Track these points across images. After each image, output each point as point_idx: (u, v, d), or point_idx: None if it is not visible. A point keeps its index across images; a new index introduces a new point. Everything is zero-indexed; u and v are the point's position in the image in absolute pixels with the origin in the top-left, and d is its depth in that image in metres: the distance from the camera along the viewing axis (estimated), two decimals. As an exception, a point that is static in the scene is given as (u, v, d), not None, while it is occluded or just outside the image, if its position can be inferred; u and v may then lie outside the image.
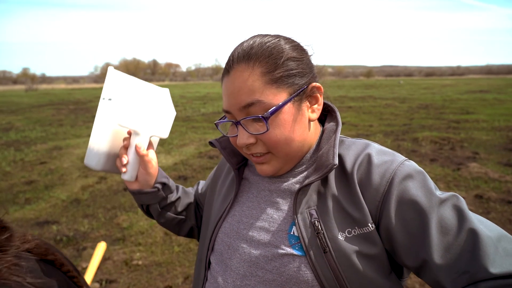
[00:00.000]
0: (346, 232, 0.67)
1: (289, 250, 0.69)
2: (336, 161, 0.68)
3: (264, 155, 0.72)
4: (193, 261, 3.04)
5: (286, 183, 0.76)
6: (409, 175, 0.66)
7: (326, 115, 0.83)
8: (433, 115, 11.35)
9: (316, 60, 0.78)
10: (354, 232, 0.67)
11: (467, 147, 6.71)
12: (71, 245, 3.39)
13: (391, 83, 33.84)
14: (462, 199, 0.66)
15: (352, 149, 0.74)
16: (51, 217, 4.10)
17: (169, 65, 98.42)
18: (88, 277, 1.47)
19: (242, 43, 0.72)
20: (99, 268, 2.95)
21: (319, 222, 0.68)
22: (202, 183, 1.04)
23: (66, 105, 18.21)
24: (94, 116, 13.57)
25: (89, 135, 9.58)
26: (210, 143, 0.85)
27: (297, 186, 0.74)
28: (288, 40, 0.73)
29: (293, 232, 0.70)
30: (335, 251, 0.66)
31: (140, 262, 3.03)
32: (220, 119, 0.76)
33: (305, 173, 0.76)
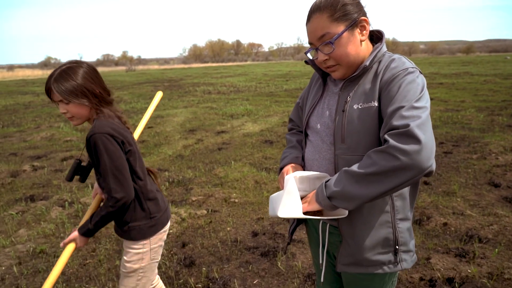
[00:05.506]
0: (359, 105, 1.11)
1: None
2: (367, 63, 1.10)
3: (334, 66, 1.15)
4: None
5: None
6: (408, 73, 1.05)
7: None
8: (540, 91, 10.17)
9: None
10: (362, 105, 1.10)
11: None
12: (181, 186, 4.14)
13: (495, 59, 30.29)
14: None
15: (387, 60, 1.13)
16: (162, 166, 4.95)
17: (251, 45, 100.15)
18: (145, 118, 1.92)
19: (316, 1, 1.14)
20: (204, 202, 3.62)
21: (350, 97, 1.14)
22: (300, 98, 1.50)
23: (161, 83, 20.14)
24: (186, 92, 14.61)
25: (184, 107, 10.81)
26: (306, 62, 1.28)
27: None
28: None
29: None
30: (348, 112, 1.12)
31: (236, 200, 3.62)
32: (308, 50, 1.20)
33: None
